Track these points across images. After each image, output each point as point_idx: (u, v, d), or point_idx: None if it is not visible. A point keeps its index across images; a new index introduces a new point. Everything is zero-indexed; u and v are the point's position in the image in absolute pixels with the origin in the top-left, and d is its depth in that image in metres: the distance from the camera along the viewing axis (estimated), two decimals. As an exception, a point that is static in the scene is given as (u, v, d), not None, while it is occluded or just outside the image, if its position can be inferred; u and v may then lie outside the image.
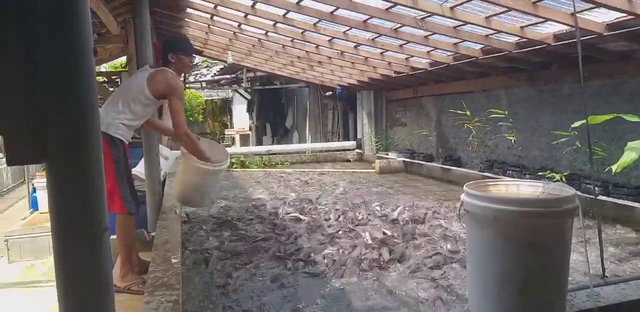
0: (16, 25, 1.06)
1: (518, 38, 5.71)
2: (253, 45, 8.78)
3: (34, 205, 6.39)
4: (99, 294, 1.16)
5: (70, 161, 1.14)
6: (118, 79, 9.49)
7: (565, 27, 5.09)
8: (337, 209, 5.13)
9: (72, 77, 1.12)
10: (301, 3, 5.75)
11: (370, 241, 3.81)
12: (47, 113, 1.09)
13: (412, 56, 7.53)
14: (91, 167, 1.16)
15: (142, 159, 4.54)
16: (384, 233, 4.05)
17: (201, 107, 18.36)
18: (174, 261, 2.42)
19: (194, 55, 3.73)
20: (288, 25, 6.77)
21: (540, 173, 5.76)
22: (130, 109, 3.30)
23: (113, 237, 3.15)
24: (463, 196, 1.98)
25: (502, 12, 5.00)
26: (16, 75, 1.08)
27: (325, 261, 3.41)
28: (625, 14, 4.41)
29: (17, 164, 1.19)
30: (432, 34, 6.17)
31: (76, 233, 1.15)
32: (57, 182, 1.15)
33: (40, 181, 6.33)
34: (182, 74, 3.72)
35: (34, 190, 6.41)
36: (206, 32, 8.48)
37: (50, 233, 3.69)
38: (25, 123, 1.10)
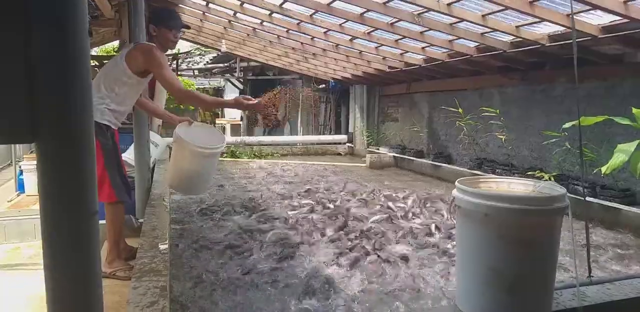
0: (13, 2, 1.04)
1: (513, 37, 5.73)
2: (248, 35, 8.72)
3: (20, 187, 6.31)
4: (87, 278, 1.15)
5: (62, 142, 1.12)
6: (110, 64, 9.38)
7: (560, 28, 5.11)
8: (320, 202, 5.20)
9: (67, 56, 1.10)
10: (298, -7, 5.72)
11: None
12: (39, 92, 1.08)
13: (407, 52, 7.53)
14: (82, 149, 1.14)
15: (132, 145, 4.49)
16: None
17: (193, 95, 18.23)
18: (161, 247, 2.41)
19: (182, 30, 3.42)
20: (284, 15, 6.73)
21: (529, 173, 5.80)
22: (115, 92, 3.09)
23: (102, 222, 3.12)
24: (455, 192, 1.98)
25: (498, 11, 5.00)
26: (11, 54, 1.06)
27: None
28: (620, 17, 4.44)
29: (7, 142, 1.17)
30: (427, 30, 6.17)
31: (65, 216, 1.13)
32: (48, 164, 1.13)
33: (28, 163, 6.25)
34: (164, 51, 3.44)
35: (21, 172, 6.32)
36: (201, 20, 8.41)
37: (37, 216, 3.64)
38: (18, 101, 1.08)
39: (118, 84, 3.09)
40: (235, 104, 3.25)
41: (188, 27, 3.64)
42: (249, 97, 3.25)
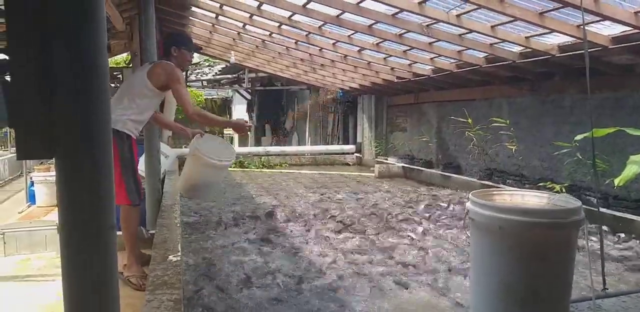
0: (34, 20, 1.06)
1: (522, 48, 5.72)
2: (256, 46, 8.78)
3: (31, 199, 6.33)
4: (105, 292, 1.15)
5: (80, 157, 1.12)
6: (120, 75, 9.47)
7: (570, 39, 5.11)
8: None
9: (87, 72, 1.11)
10: (307, 5, 5.75)
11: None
12: (59, 108, 1.09)
13: (416, 62, 7.55)
14: (101, 164, 1.14)
15: (143, 156, 4.52)
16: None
17: (201, 106, 18.36)
18: (174, 259, 2.41)
19: (193, 52, 3.84)
20: (293, 27, 6.77)
21: (540, 184, 5.76)
22: (136, 103, 3.36)
23: (119, 233, 3.18)
24: (469, 204, 1.97)
25: (508, 22, 5.01)
26: (33, 71, 1.07)
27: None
28: (631, 28, 4.43)
29: (28, 158, 1.18)
30: (436, 41, 6.19)
31: (83, 230, 1.13)
32: (66, 178, 1.13)
33: (38, 175, 6.28)
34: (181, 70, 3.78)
35: (32, 183, 6.35)
36: (210, 32, 8.48)
37: (47, 227, 3.66)
38: (38, 118, 1.09)
39: (140, 96, 3.37)
40: (235, 125, 3.74)
41: (200, 49, 4.01)
42: (247, 121, 3.83)
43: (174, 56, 3.55)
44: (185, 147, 9.61)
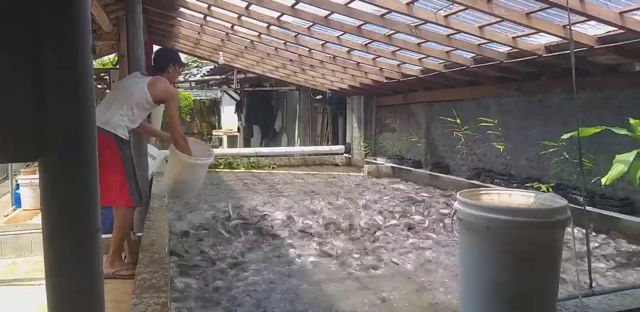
0: (22, 23, 1.04)
1: (509, 48, 5.76)
2: (245, 47, 8.75)
3: (16, 202, 6.25)
4: (90, 296, 1.13)
5: (65, 160, 1.11)
6: (107, 77, 9.40)
7: (556, 39, 5.15)
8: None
9: (72, 75, 1.09)
10: (296, 6, 5.75)
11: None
12: (44, 111, 1.07)
13: (404, 63, 7.57)
14: (86, 167, 1.13)
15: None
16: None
17: (189, 107, 18.25)
18: (161, 262, 2.39)
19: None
20: (282, 28, 6.76)
21: (527, 184, 5.80)
22: (133, 112, 3.52)
23: (106, 236, 3.16)
24: (456, 204, 1.98)
25: (495, 22, 5.04)
26: (20, 74, 1.06)
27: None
28: (616, 28, 4.47)
29: (12, 161, 1.17)
30: (424, 42, 6.21)
31: (69, 234, 1.12)
32: (51, 181, 1.11)
33: (24, 178, 6.20)
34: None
35: (17, 186, 6.27)
36: (198, 32, 8.44)
37: (34, 231, 3.60)
38: (23, 121, 1.07)
39: (138, 107, 3.54)
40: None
41: (184, 65, 4.26)
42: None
43: (168, 72, 3.74)
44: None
